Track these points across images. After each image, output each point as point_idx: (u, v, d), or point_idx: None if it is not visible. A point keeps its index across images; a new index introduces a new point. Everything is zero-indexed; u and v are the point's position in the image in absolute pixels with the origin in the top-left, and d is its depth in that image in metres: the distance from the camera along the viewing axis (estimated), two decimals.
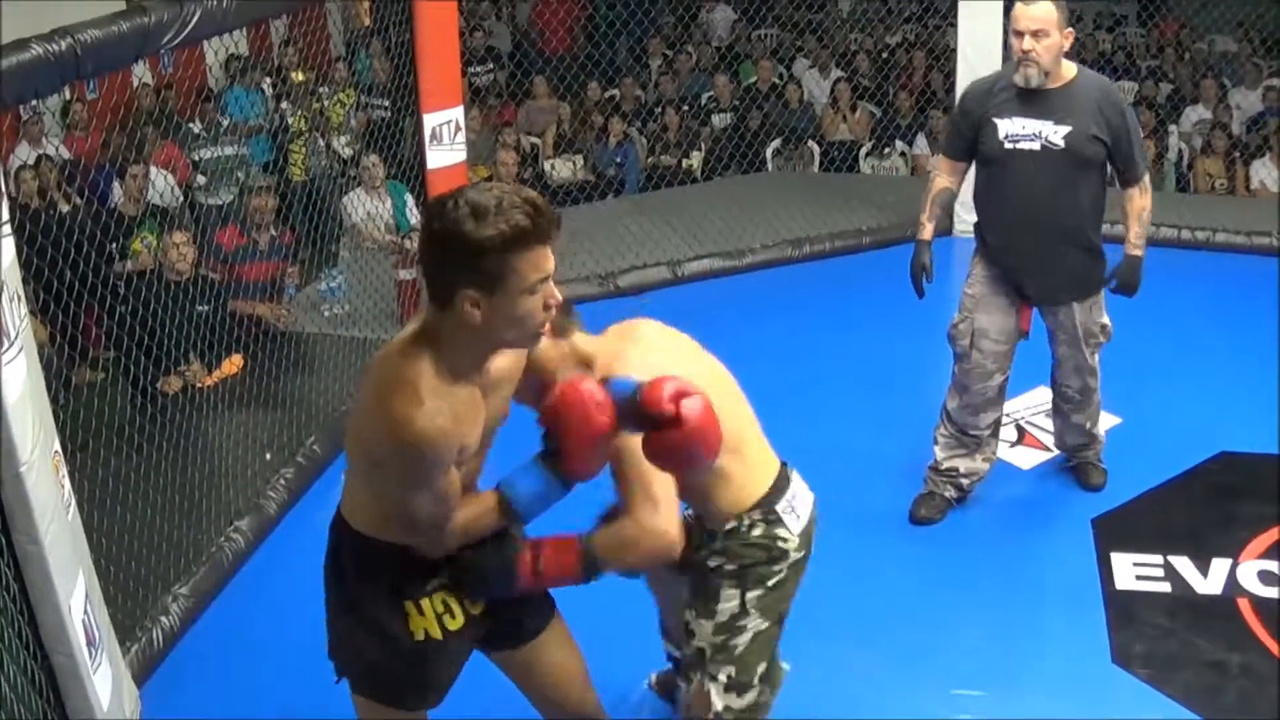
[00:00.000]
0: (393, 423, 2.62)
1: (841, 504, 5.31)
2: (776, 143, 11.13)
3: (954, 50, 8.70)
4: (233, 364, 6.86)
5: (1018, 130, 4.79)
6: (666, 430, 2.81)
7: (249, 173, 9.18)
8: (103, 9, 4.47)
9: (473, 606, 3.07)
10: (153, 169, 8.48)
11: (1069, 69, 4.82)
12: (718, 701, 3.30)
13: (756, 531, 3.25)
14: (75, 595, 3.21)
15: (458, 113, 7.22)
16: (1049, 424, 5.67)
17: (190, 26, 4.77)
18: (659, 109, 11.44)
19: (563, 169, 10.94)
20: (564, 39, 13.16)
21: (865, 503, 5.34)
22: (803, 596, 3.37)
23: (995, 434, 5.28)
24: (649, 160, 11.03)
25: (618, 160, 10.89)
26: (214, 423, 6.38)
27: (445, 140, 7.14)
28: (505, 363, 2.88)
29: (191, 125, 9.63)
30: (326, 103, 10.41)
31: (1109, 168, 4.89)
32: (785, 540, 3.27)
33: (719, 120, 11.49)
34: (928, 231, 5.10)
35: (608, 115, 11.20)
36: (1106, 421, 5.49)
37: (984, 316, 5.03)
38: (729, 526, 3.25)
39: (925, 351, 5.77)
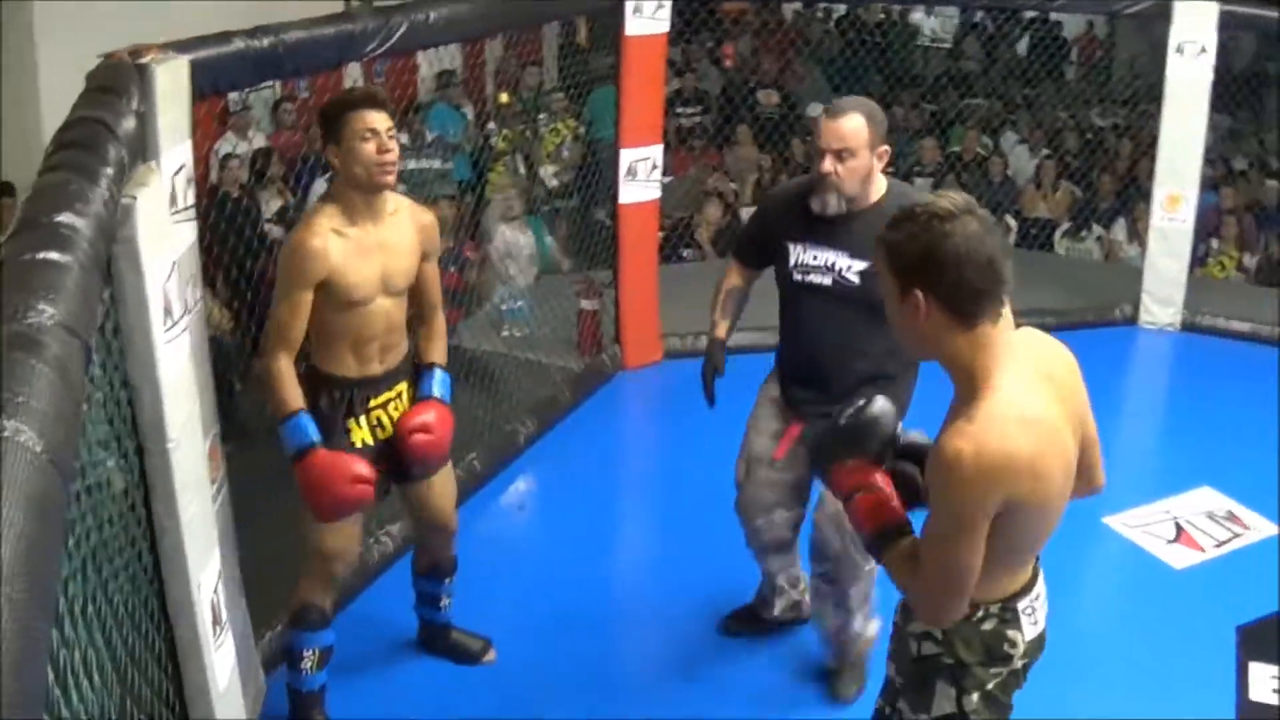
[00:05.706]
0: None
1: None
2: None
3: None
4: None
5: None
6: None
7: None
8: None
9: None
10: None
11: None
12: None
13: (987, 626, 2.81)
14: (206, 573, 3.31)
15: (656, 151, 7.29)
16: (1209, 526, 5.53)
17: (395, 38, 4.93)
18: None
19: None
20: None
21: None
22: None
23: None
24: None
25: None
26: None
27: (641, 176, 7.21)
28: (409, 232, 3.98)
29: (400, 136, 9.82)
30: (543, 130, 10.56)
31: None
32: (1014, 645, 2.83)
33: (920, 184, 11.38)
34: None
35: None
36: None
37: None
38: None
39: None
